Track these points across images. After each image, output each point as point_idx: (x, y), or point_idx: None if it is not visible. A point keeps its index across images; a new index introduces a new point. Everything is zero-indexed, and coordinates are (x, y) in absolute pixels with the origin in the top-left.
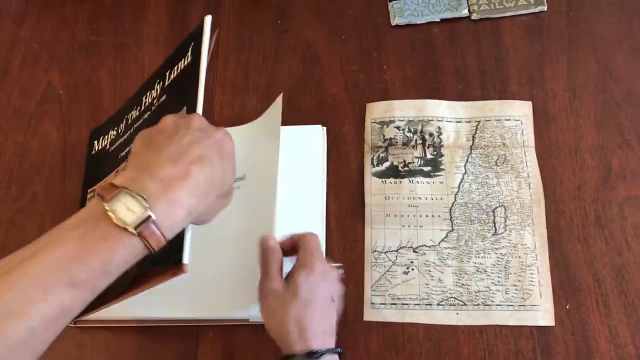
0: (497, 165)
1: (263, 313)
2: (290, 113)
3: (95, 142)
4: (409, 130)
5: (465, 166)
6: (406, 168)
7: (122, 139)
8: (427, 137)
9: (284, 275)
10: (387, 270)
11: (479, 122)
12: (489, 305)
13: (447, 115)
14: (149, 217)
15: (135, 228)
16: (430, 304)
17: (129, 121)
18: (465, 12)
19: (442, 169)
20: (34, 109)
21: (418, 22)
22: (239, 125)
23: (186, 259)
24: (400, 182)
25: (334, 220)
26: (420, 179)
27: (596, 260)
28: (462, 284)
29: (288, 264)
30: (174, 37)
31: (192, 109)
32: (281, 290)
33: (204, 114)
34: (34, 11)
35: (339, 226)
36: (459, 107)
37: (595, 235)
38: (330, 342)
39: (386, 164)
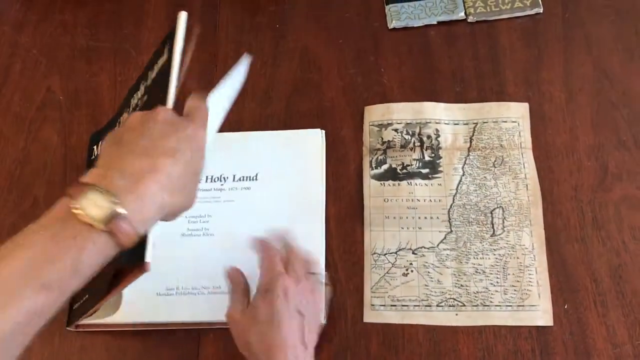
0: (495, 167)
1: (234, 339)
2: (289, 117)
3: (95, 146)
4: (407, 133)
5: (463, 168)
6: (404, 170)
7: None
8: (425, 139)
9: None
10: (387, 272)
11: (476, 124)
12: (488, 305)
13: (444, 118)
14: (118, 212)
15: (105, 224)
16: (430, 305)
17: (121, 123)
18: (461, 15)
19: (440, 171)
20: (34, 115)
21: (415, 25)
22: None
23: (149, 257)
24: (398, 184)
25: (334, 223)
26: (419, 181)
27: (594, 261)
28: (461, 285)
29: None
30: None
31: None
32: (240, 317)
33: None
34: (34, 17)
35: (339, 229)
36: (457, 110)
37: (592, 235)
38: (304, 354)
39: (385, 167)
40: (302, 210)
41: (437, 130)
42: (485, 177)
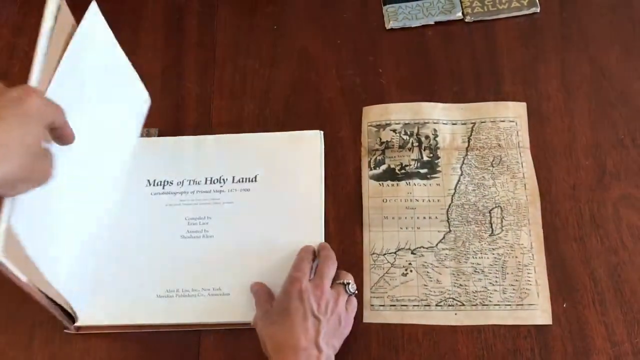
0: (493, 167)
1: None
2: (287, 118)
3: None
4: (405, 133)
5: (461, 168)
6: (403, 171)
7: None
8: (423, 139)
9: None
10: (386, 272)
11: (474, 123)
12: (487, 305)
13: (442, 118)
14: None
15: None
16: (429, 305)
17: None
18: (459, 15)
19: (439, 171)
20: None
21: (412, 26)
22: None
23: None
24: (397, 184)
25: (333, 224)
26: (417, 181)
27: (592, 260)
28: (460, 285)
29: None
30: (170, 44)
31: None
32: (260, 320)
33: (204, 116)
34: (32, 20)
35: (338, 229)
36: (454, 109)
37: (590, 234)
38: (318, 357)
39: (383, 167)
40: (301, 211)
41: (435, 130)
42: (483, 176)
